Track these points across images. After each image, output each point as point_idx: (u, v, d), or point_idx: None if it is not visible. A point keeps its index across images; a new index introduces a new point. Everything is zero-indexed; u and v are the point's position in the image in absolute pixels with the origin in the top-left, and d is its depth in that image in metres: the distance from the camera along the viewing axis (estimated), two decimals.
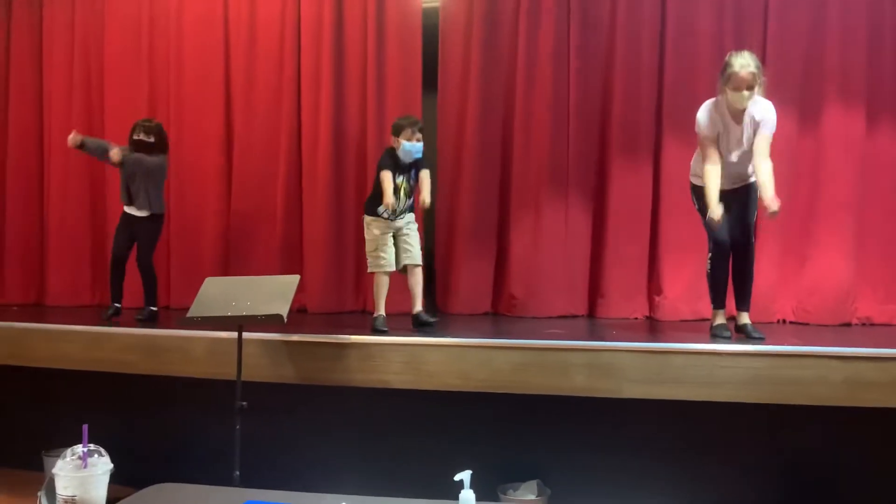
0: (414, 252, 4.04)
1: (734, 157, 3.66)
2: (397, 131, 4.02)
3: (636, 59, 4.70)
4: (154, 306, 4.57)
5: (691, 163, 3.91)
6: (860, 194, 4.44)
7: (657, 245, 4.71)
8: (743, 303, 3.76)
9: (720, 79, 3.58)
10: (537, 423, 3.65)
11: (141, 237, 4.49)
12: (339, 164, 5.09)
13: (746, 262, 3.74)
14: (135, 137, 4.47)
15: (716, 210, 3.51)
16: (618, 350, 3.33)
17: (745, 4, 4.60)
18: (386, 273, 4.05)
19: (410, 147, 3.98)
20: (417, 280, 4.06)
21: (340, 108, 5.12)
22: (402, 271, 4.10)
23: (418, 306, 4.04)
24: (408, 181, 4.08)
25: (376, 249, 4.04)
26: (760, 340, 3.50)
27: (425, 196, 4.02)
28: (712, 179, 3.57)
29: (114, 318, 4.43)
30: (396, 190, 4.02)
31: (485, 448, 3.60)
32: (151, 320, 4.46)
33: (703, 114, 3.64)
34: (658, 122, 4.72)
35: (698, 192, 3.77)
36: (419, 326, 3.96)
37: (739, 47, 4.40)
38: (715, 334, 3.66)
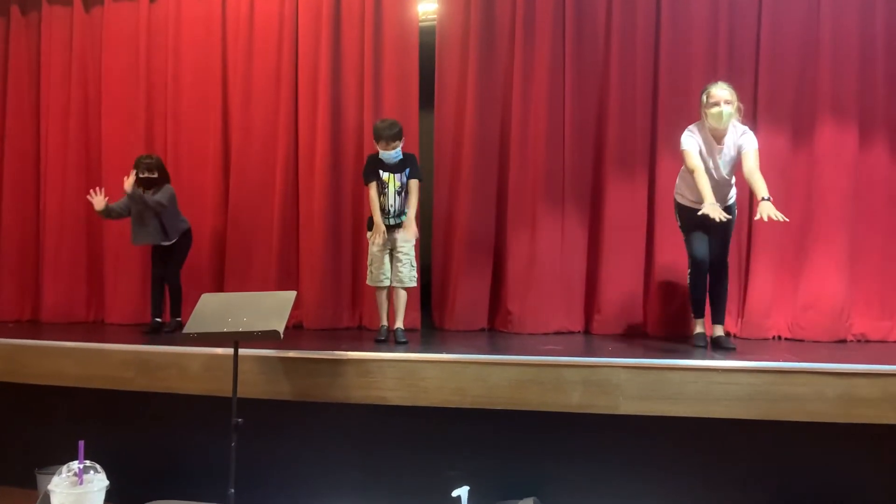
0: (402, 275, 4.21)
1: (714, 176, 3.86)
2: (376, 139, 4.25)
3: (631, 75, 4.75)
4: (179, 317, 4.80)
5: (676, 181, 4.13)
6: (853, 211, 4.47)
7: (653, 261, 4.72)
8: (718, 316, 4.10)
9: (700, 107, 3.88)
10: (534, 439, 3.64)
11: (171, 258, 4.83)
12: (336, 181, 5.11)
13: (722, 279, 4.06)
14: (140, 176, 4.68)
15: (711, 203, 3.59)
16: (614, 366, 3.34)
17: (738, 21, 4.65)
18: (380, 288, 4.26)
19: (386, 156, 4.20)
20: (399, 300, 4.27)
21: (337, 124, 5.15)
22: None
23: (397, 323, 4.23)
24: (399, 179, 4.25)
25: (371, 264, 4.27)
26: (732, 351, 3.82)
27: (408, 228, 4.19)
28: (703, 178, 3.73)
29: (152, 333, 4.66)
30: (385, 187, 4.22)
31: (481, 465, 3.59)
32: (180, 329, 4.64)
33: (686, 133, 3.91)
34: (653, 137, 4.75)
35: (681, 210, 4.07)
36: (395, 342, 4.16)
37: (732, 62, 4.55)
38: (695, 343, 4.00)
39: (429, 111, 5.09)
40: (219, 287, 5.21)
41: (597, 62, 4.84)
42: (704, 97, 3.83)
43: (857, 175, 4.48)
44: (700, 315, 4.10)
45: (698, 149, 3.84)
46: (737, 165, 3.91)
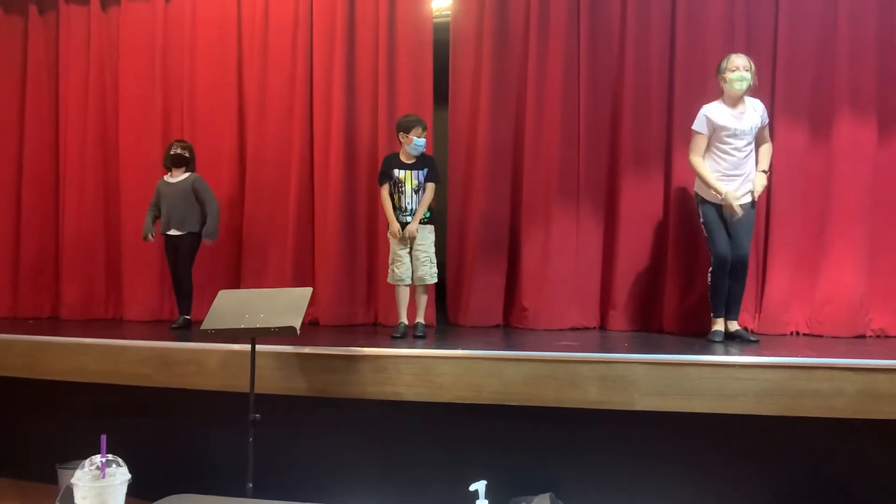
0: (421, 272, 4.30)
1: (736, 148, 3.98)
2: (407, 128, 4.32)
3: (646, 71, 4.72)
4: (188, 315, 4.88)
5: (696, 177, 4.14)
6: (872, 205, 4.42)
7: (668, 257, 4.69)
8: (733, 313, 4.12)
9: (717, 77, 4.07)
10: (550, 435, 3.64)
11: (181, 251, 4.86)
12: (350, 178, 5.13)
13: (742, 277, 4.08)
14: (171, 153, 4.92)
15: (723, 190, 3.94)
16: (630, 362, 3.32)
17: (754, 17, 4.61)
18: (400, 286, 4.33)
19: (420, 143, 4.32)
20: (420, 296, 4.37)
21: (352, 123, 5.16)
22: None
23: (417, 318, 4.37)
24: (416, 177, 4.34)
25: (392, 263, 4.34)
26: (756, 344, 3.88)
27: (413, 225, 4.27)
28: (703, 167, 4.02)
29: (181, 329, 4.80)
30: (402, 184, 4.32)
31: (497, 461, 3.59)
32: (186, 328, 4.78)
33: (702, 111, 4.05)
34: (668, 133, 4.72)
35: (704, 205, 4.08)
36: (414, 337, 4.26)
37: (749, 57, 4.50)
38: (710, 339, 4.02)
39: (443, 109, 5.09)
40: (235, 284, 5.25)
41: (612, 59, 4.82)
42: (724, 63, 4.01)
43: (876, 169, 4.43)
44: (720, 314, 4.10)
45: (711, 131, 3.99)
46: (755, 137, 4.08)
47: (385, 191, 4.38)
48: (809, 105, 4.52)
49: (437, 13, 5.23)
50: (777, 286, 4.49)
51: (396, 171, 4.34)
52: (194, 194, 4.87)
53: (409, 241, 4.30)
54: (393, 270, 4.33)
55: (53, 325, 5.29)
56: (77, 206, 5.62)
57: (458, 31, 5.06)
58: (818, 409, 3.14)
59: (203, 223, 4.87)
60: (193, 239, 4.89)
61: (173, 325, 4.85)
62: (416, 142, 4.30)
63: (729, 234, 4.03)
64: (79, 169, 5.64)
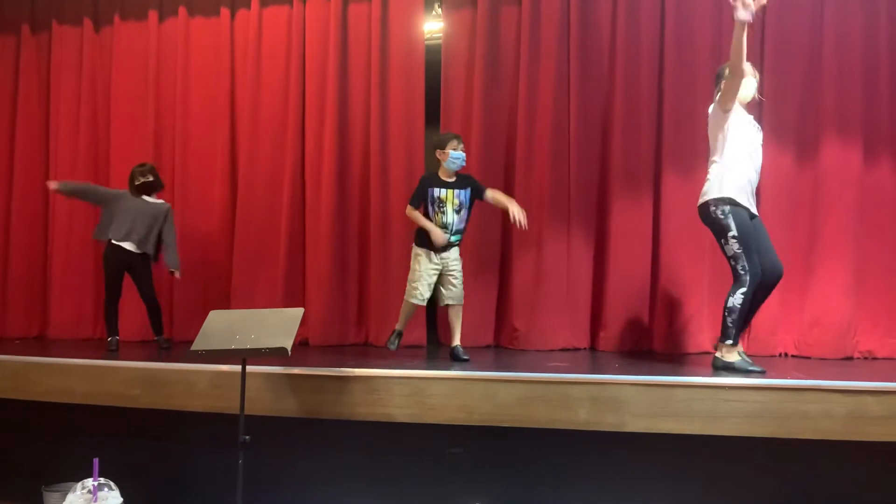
0: (456, 292, 4.21)
1: (755, 157, 3.67)
2: (443, 144, 4.18)
3: (636, 92, 4.78)
4: (162, 334, 4.86)
5: (714, 185, 3.61)
6: (859, 228, 4.48)
7: (658, 277, 4.72)
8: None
9: (717, 87, 3.71)
10: (541, 457, 3.63)
11: (139, 271, 4.74)
12: (343, 198, 5.14)
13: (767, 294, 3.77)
14: (136, 183, 4.77)
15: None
16: (621, 384, 3.33)
17: None
18: (415, 304, 4.21)
19: (457, 156, 4.15)
20: (457, 316, 4.24)
21: (344, 142, 5.19)
22: (444, 306, 4.30)
23: (456, 341, 4.23)
24: (458, 196, 4.19)
25: (415, 281, 4.18)
26: (762, 374, 3.51)
27: (515, 210, 4.13)
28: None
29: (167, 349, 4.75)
30: (443, 203, 4.16)
31: (488, 482, 3.57)
32: (168, 348, 4.76)
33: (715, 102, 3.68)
34: (658, 153, 4.77)
35: (736, 215, 3.54)
36: (455, 360, 4.12)
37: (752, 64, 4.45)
38: (745, 369, 3.54)
39: (435, 130, 5.13)
40: (226, 304, 5.22)
41: (601, 79, 4.89)
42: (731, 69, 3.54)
43: (863, 191, 4.49)
44: (738, 341, 3.66)
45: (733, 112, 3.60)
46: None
47: (412, 209, 4.19)
48: (795, 126, 4.59)
49: (429, 35, 5.29)
50: (766, 308, 4.49)
51: (437, 191, 4.15)
52: (163, 220, 4.77)
53: (442, 264, 4.17)
54: (416, 287, 4.15)
55: (41, 344, 5.25)
56: (66, 225, 5.59)
57: (449, 53, 5.11)
58: (807, 431, 3.15)
59: (157, 250, 4.78)
60: (149, 260, 4.79)
61: (164, 346, 4.80)
62: (453, 155, 4.14)
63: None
64: None
